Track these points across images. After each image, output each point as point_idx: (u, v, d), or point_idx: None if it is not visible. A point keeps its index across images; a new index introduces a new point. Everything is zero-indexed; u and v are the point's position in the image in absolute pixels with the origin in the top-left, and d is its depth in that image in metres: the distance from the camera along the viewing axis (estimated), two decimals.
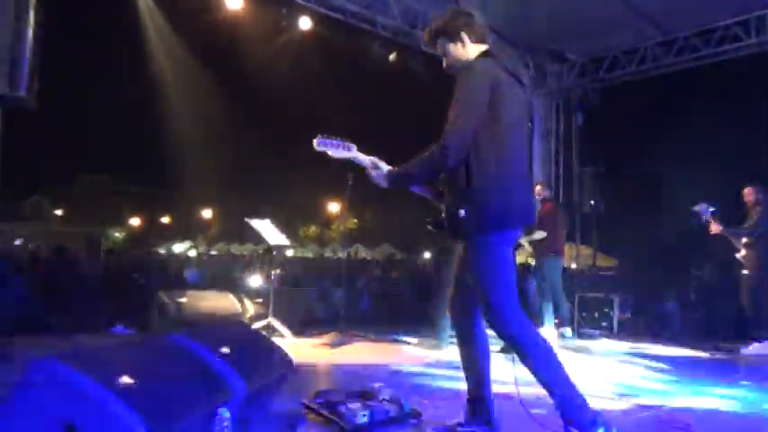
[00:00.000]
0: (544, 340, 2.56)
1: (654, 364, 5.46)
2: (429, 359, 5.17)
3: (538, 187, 7.18)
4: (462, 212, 2.50)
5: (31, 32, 4.30)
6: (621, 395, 3.90)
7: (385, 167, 2.78)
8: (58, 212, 24.66)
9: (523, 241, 7.49)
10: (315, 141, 2.88)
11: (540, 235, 7.06)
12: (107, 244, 18.46)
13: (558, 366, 2.49)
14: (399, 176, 2.68)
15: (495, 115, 2.52)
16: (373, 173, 2.76)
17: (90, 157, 36.42)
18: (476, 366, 2.76)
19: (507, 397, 3.46)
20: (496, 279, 2.52)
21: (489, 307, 2.53)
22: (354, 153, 2.88)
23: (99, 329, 5.92)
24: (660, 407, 3.57)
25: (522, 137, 2.69)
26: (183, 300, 5.78)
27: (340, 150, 2.88)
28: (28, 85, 4.31)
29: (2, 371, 3.60)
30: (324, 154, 2.88)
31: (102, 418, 1.77)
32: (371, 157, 2.85)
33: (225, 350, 2.59)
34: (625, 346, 6.90)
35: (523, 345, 2.50)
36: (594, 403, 2.55)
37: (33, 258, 9.53)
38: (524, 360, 2.51)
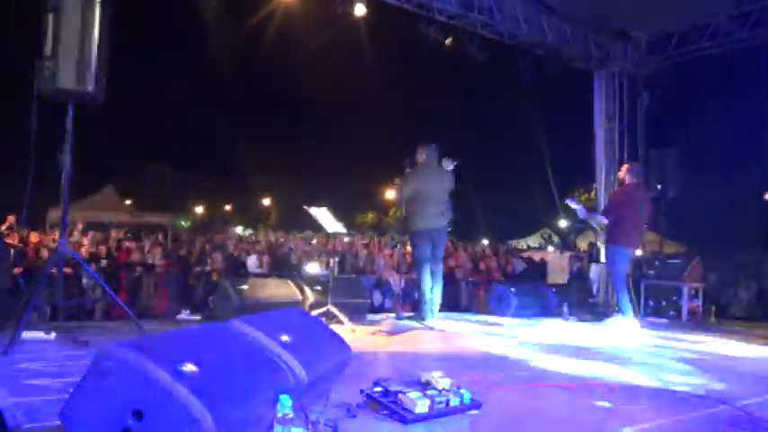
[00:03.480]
0: None
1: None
2: (488, 348, 5.10)
3: (623, 168, 7.01)
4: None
5: (98, 27, 4.43)
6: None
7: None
8: (128, 202, 25.78)
9: (595, 225, 7.29)
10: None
11: (600, 220, 6.79)
12: (174, 232, 19.08)
13: None
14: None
15: None
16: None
17: (154, 147, 37.64)
18: None
19: (571, 388, 3.38)
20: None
21: None
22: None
23: (165, 316, 6.13)
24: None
25: None
26: (245, 287, 5.90)
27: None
28: (96, 80, 4.44)
29: (75, 356, 3.76)
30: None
31: (169, 404, 1.81)
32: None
33: (285, 337, 2.61)
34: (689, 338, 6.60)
35: None
36: None
37: (105, 247, 9.94)
38: None
